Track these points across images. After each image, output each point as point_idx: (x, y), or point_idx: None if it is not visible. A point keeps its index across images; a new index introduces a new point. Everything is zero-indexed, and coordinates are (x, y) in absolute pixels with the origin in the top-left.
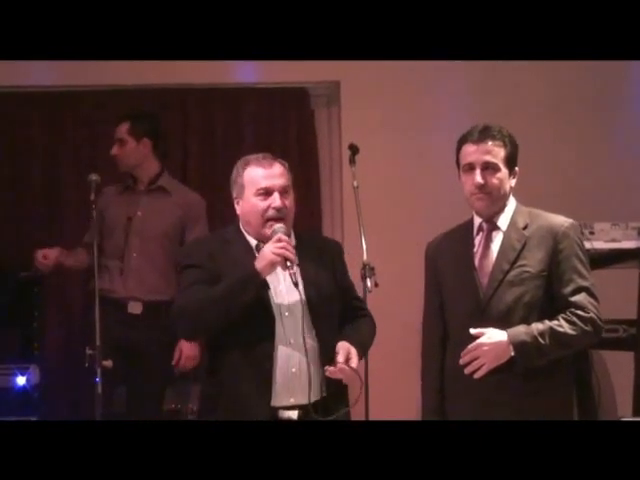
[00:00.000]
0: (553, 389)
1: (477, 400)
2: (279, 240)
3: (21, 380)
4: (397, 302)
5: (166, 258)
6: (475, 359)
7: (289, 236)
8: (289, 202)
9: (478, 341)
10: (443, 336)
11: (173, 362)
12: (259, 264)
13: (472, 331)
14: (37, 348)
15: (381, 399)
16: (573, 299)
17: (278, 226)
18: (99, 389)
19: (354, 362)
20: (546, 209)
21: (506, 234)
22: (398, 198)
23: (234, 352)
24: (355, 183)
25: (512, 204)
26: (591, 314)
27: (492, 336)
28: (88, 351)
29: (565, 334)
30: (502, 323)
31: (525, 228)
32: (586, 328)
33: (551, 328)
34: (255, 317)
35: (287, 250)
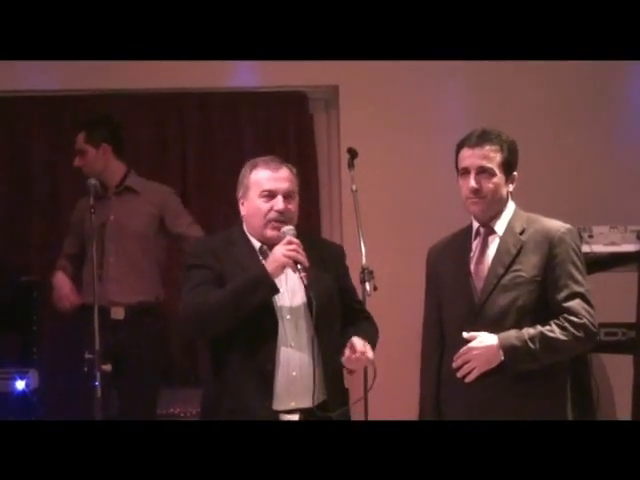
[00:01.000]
0: (546, 392)
1: (471, 403)
2: (290, 242)
3: (20, 384)
4: (396, 305)
5: (145, 258)
6: (466, 363)
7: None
8: (293, 206)
9: (469, 345)
10: (441, 339)
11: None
12: (270, 266)
13: (464, 335)
14: (36, 352)
15: (380, 402)
16: (567, 305)
17: (287, 228)
18: (98, 393)
19: (370, 353)
20: (544, 213)
21: (502, 239)
22: (397, 202)
23: (236, 353)
24: (354, 187)
25: (510, 209)
26: (584, 320)
27: (483, 340)
28: (87, 355)
29: (556, 339)
30: (495, 327)
31: (522, 233)
32: (578, 334)
33: (542, 333)
34: (258, 319)
35: (298, 253)
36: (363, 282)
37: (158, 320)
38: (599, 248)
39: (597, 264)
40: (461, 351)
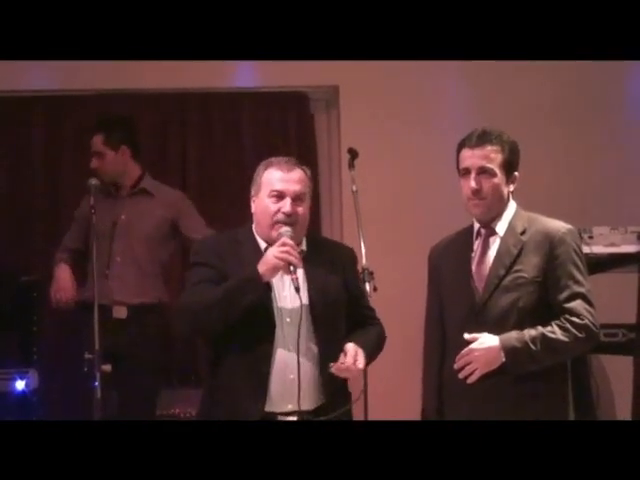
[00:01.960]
0: (548, 393)
1: (473, 403)
2: (283, 244)
3: (20, 384)
4: (396, 306)
5: (151, 260)
6: (468, 364)
7: (299, 242)
8: (302, 209)
9: (470, 346)
10: (442, 339)
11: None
12: (261, 267)
13: (466, 336)
14: (36, 353)
15: (381, 402)
16: (568, 305)
17: (284, 229)
18: (98, 393)
19: (361, 363)
20: (544, 213)
21: (503, 239)
22: (397, 202)
23: (233, 354)
24: (354, 187)
25: (512, 209)
26: (586, 321)
27: (484, 341)
28: (87, 355)
29: (557, 340)
30: (497, 328)
31: (523, 233)
32: (579, 335)
33: (543, 334)
34: (256, 321)
35: (290, 254)
36: (363, 283)
37: (159, 321)
38: (599, 249)
39: (597, 265)
40: (463, 352)
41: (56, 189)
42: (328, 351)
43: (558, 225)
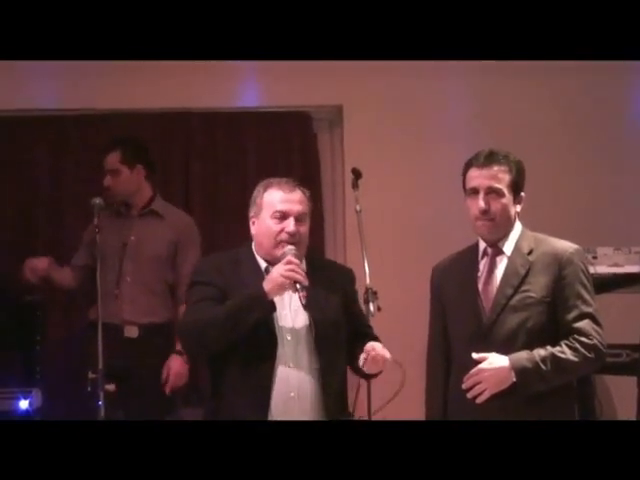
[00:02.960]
0: (555, 413)
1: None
2: (289, 262)
3: (24, 404)
4: (400, 326)
5: (160, 280)
6: (477, 384)
7: (300, 260)
8: (304, 229)
9: (480, 366)
10: (446, 359)
11: (162, 380)
12: (267, 285)
13: (474, 356)
14: (39, 372)
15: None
16: (576, 325)
17: (289, 248)
18: (102, 413)
19: (387, 354)
20: (548, 233)
21: (510, 259)
22: (401, 222)
23: (234, 371)
24: (358, 207)
25: (518, 229)
26: (594, 341)
27: (494, 361)
28: (91, 375)
29: (567, 360)
30: (505, 348)
31: (530, 253)
32: (589, 355)
33: (553, 354)
34: (258, 339)
35: (296, 273)
36: (367, 302)
37: (168, 341)
38: (603, 269)
39: (601, 285)
40: (472, 372)
41: (59, 208)
42: (329, 369)
43: (565, 245)
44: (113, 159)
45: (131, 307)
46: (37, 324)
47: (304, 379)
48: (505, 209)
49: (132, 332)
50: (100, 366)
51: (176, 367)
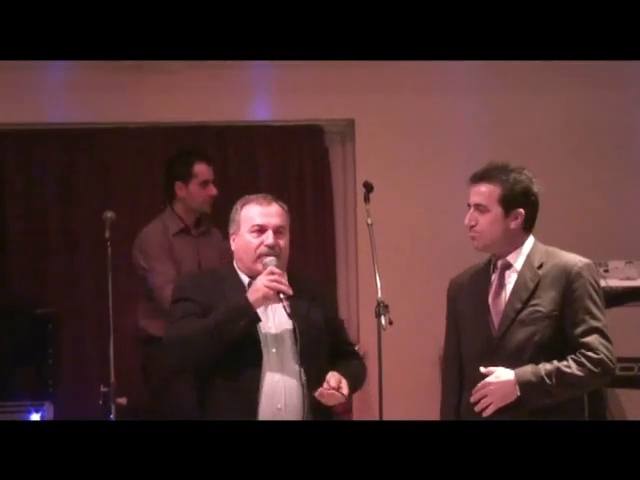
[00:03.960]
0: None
1: None
2: (271, 273)
3: (35, 417)
4: (411, 340)
5: None
6: (484, 397)
7: (282, 270)
8: (283, 242)
9: (486, 380)
10: (460, 373)
11: None
12: (252, 296)
13: (482, 370)
14: (52, 385)
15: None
16: (584, 340)
17: (269, 259)
18: None
19: (344, 390)
20: (560, 247)
21: (520, 273)
22: (413, 236)
23: (221, 384)
24: (369, 220)
25: (529, 243)
26: (601, 355)
27: (500, 375)
28: (103, 389)
29: (572, 375)
30: (513, 362)
31: (540, 267)
32: (595, 370)
33: (558, 369)
34: (243, 351)
35: (280, 283)
36: (378, 316)
37: None
38: (615, 282)
39: (613, 299)
40: (478, 386)
41: (71, 222)
42: (313, 381)
43: (575, 259)
44: (210, 170)
45: None
46: (49, 337)
47: (290, 390)
48: (491, 224)
49: None
50: (112, 379)
51: None
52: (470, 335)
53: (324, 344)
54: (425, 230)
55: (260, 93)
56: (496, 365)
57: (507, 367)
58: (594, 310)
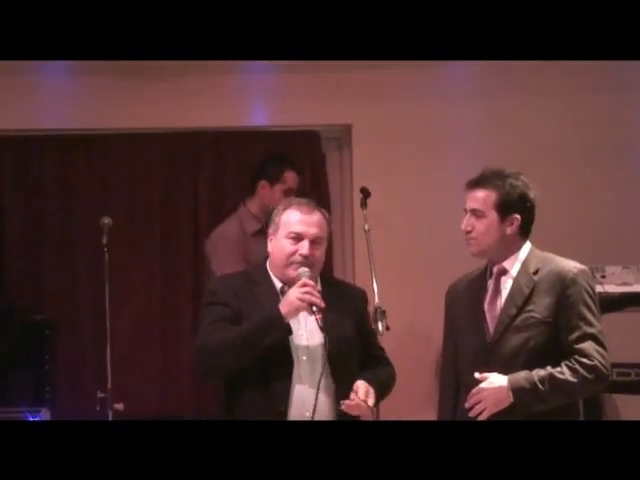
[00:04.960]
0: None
1: None
2: (304, 285)
3: None
4: (408, 345)
5: None
6: (478, 403)
7: (315, 281)
8: (319, 253)
9: (480, 386)
10: (457, 379)
11: None
12: (284, 308)
13: (476, 375)
14: (48, 391)
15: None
16: (578, 346)
17: (303, 270)
18: None
19: (371, 401)
20: (557, 253)
21: (516, 279)
22: (409, 241)
23: (250, 393)
24: (366, 226)
25: (526, 248)
26: (595, 362)
27: (494, 381)
28: (100, 394)
29: (566, 381)
30: (507, 368)
31: (536, 273)
32: (589, 376)
33: (552, 375)
34: (273, 359)
35: (312, 295)
36: (376, 322)
37: None
38: (612, 288)
39: (610, 304)
40: (473, 391)
41: (68, 228)
42: (343, 389)
43: (570, 265)
44: (297, 178)
45: None
46: (46, 343)
47: (320, 399)
48: (486, 230)
49: None
50: (109, 385)
51: None
52: (465, 341)
53: (354, 356)
54: (422, 236)
55: (257, 99)
56: (491, 371)
57: (502, 373)
58: (589, 316)
